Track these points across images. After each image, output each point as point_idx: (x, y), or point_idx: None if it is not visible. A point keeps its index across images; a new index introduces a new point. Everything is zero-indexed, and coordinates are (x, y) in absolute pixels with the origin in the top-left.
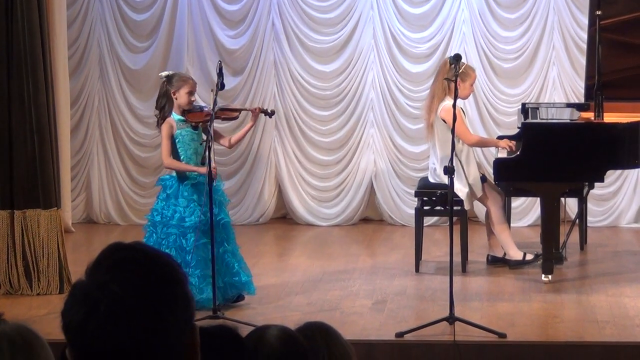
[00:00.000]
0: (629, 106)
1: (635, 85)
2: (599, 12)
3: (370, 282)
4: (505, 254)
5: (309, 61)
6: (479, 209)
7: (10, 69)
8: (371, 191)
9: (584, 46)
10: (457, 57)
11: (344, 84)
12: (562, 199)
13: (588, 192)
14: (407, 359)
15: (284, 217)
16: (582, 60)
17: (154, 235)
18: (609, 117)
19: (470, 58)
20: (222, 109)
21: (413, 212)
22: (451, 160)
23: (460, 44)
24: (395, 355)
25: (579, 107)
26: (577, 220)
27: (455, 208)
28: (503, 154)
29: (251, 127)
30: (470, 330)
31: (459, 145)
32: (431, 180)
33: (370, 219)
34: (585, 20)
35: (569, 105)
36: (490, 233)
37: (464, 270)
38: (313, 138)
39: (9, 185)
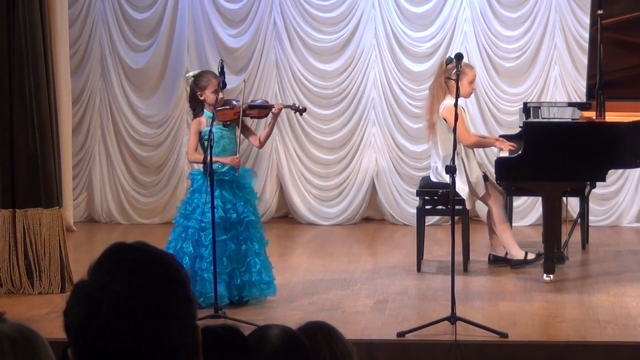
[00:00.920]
0: (630, 105)
1: (636, 84)
2: (600, 11)
3: (372, 282)
4: (506, 253)
5: (310, 60)
6: (481, 208)
7: (12, 67)
8: (373, 190)
9: (586, 45)
10: (458, 57)
11: (346, 82)
12: (564, 198)
13: (590, 191)
14: (409, 358)
15: (285, 216)
16: (584, 60)
17: (179, 227)
18: (611, 117)
19: (472, 57)
20: (252, 107)
21: (415, 211)
22: (453, 159)
23: (462, 43)
24: (396, 354)
25: (581, 106)
26: (579, 220)
27: (457, 207)
28: (505, 153)
29: (273, 125)
30: (472, 330)
31: (460, 144)
32: (433, 179)
33: (371, 218)
34: (586, 20)
35: (570, 104)
36: (492, 232)
37: (465, 269)
38: (315, 137)
39: (10, 184)
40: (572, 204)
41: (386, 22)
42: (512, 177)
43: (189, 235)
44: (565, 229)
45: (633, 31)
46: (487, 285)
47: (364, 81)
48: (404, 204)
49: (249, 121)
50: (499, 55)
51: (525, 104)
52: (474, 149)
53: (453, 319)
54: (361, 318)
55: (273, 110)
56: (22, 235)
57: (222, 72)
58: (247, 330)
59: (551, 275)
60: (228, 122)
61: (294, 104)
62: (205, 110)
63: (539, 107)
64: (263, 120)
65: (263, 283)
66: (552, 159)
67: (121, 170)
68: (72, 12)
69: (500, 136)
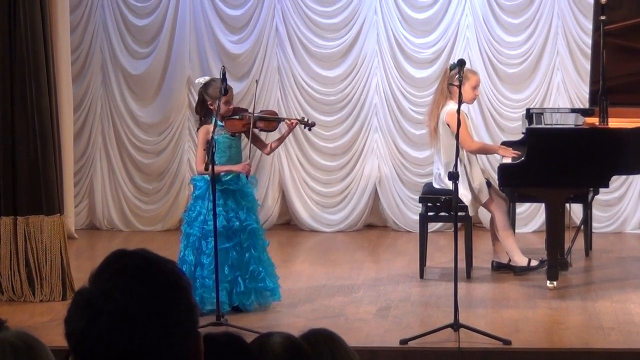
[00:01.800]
0: (633, 111)
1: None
2: (603, 17)
3: (375, 289)
4: (510, 260)
5: (312, 66)
6: (484, 215)
7: (13, 73)
8: (375, 197)
9: (588, 51)
10: (461, 62)
11: (348, 89)
12: (567, 205)
13: (593, 197)
14: None
15: (287, 223)
16: (587, 66)
17: (184, 236)
18: (614, 122)
19: (474, 63)
20: (261, 118)
21: (417, 218)
22: (455, 165)
23: (464, 49)
24: None
25: (584, 112)
26: (582, 226)
27: (459, 214)
28: (508, 159)
29: (285, 137)
30: (475, 337)
31: (462, 151)
32: (435, 186)
33: (374, 225)
34: (589, 25)
35: (573, 110)
36: (495, 239)
37: (468, 276)
38: (317, 143)
39: (11, 191)
40: (576, 211)
41: (388, 29)
42: (515, 183)
43: (190, 243)
44: (568, 235)
45: (636, 37)
46: (490, 292)
47: (366, 87)
48: (406, 210)
49: (257, 132)
50: (502, 61)
51: (528, 110)
52: (477, 156)
53: (456, 326)
54: (364, 325)
55: (287, 122)
56: (24, 243)
57: (224, 79)
58: (249, 338)
59: (554, 282)
60: (236, 134)
61: (304, 118)
62: (214, 118)
63: (542, 113)
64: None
65: (267, 290)
66: (555, 165)
67: (122, 177)
68: (73, 18)
69: (503, 142)
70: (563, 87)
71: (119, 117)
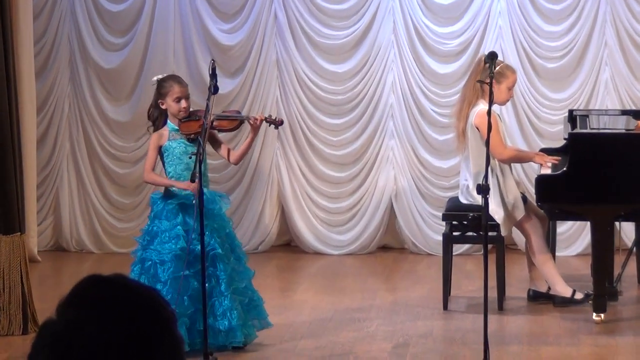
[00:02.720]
0: None
1: None
2: None
3: (390, 322)
4: (549, 288)
5: (317, 60)
6: (519, 235)
7: None
8: (391, 214)
9: None
10: (492, 56)
11: (359, 87)
12: (617, 224)
13: None
14: None
15: (288, 244)
16: (639, 59)
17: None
18: None
19: (508, 57)
20: (220, 118)
21: (440, 238)
22: (486, 177)
23: (496, 40)
24: None
25: (636, 114)
26: (635, 249)
27: (490, 234)
28: (547, 170)
29: (252, 139)
30: None
31: (494, 159)
32: (462, 200)
33: (389, 246)
34: None
35: (624, 112)
36: (532, 263)
37: (500, 307)
38: (322, 151)
39: None
40: (627, 231)
41: (407, 16)
42: (555, 198)
43: (144, 269)
44: (618, 260)
45: None
46: (526, 326)
47: (380, 85)
48: (427, 229)
49: (218, 134)
50: (540, 54)
51: (570, 111)
52: (511, 165)
53: None
54: None
55: (250, 121)
56: None
57: (213, 75)
58: None
59: (602, 315)
60: (192, 136)
61: (270, 116)
62: (169, 122)
63: (587, 116)
64: (240, 134)
65: (227, 329)
66: (603, 177)
67: (94, 191)
68: (36, 2)
69: (541, 150)
70: (612, 85)
71: (90, 119)
